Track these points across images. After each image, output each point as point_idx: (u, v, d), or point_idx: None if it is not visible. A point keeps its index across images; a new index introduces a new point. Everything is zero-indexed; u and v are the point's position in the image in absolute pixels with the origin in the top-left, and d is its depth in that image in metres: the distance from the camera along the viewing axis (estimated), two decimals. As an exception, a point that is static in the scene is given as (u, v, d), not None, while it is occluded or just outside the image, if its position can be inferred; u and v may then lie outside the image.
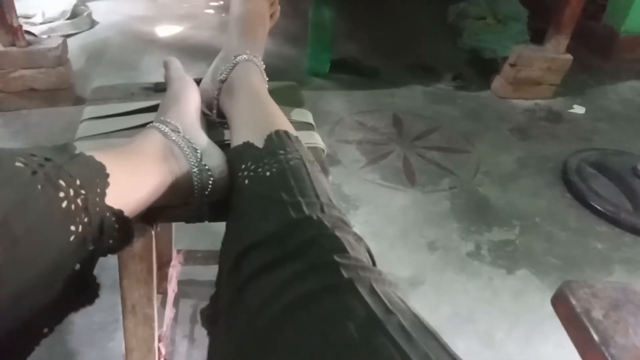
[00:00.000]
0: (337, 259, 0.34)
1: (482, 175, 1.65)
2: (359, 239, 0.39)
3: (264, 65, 0.63)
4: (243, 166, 0.47)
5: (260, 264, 0.36)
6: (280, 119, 0.53)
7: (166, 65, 0.62)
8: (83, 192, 0.35)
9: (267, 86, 0.62)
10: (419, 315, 0.31)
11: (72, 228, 0.34)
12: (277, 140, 0.48)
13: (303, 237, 0.37)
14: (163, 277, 0.98)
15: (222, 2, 3.01)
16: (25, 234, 0.30)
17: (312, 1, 2.01)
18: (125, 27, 2.54)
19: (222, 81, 0.60)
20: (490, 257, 1.32)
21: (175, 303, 1.04)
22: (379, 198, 1.50)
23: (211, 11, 2.89)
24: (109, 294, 1.13)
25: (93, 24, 2.50)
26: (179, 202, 0.51)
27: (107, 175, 0.39)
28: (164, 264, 1.00)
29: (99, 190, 0.37)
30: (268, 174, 0.44)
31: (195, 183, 0.50)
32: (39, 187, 0.32)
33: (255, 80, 0.60)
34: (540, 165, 1.74)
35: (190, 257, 1.09)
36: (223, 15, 2.83)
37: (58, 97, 1.73)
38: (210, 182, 0.50)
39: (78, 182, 0.35)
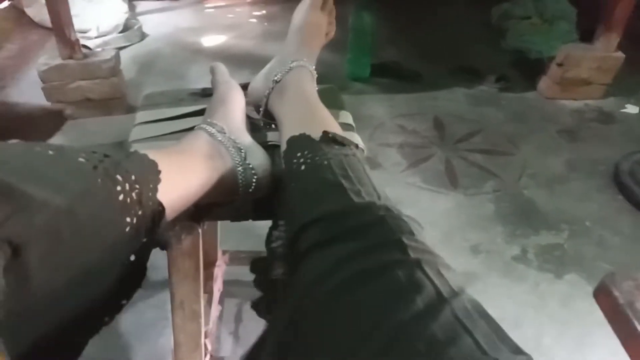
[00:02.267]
0: (404, 239, 0.35)
1: (527, 178, 1.61)
2: (420, 225, 0.40)
3: (317, 75, 0.66)
4: (299, 154, 0.48)
5: (320, 238, 0.38)
6: (331, 122, 0.55)
7: (213, 71, 0.65)
8: (137, 186, 0.38)
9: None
10: (479, 303, 0.31)
11: (128, 219, 0.37)
12: (332, 137, 0.50)
13: (368, 217, 0.38)
14: (209, 277, 1.02)
15: (264, 12, 3.08)
16: (88, 222, 0.33)
17: (352, 6, 2.03)
18: (173, 38, 2.65)
19: (276, 81, 0.62)
20: (537, 262, 1.29)
21: (221, 302, 1.07)
22: (421, 201, 1.49)
23: (254, 20, 2.96)
24: (160, 292, 1.18)
25: (143, 36, 2.62)
26: (224, 199, 0.54)
27: (159, 172, 0.41)
28: (209, 264, 1.04)
29: (151, 185, 0.40)
30: (326, 162, 0.46)
31: (240, 181, 0.52)
32: (99, 180, 0.35)
33: (307, 85, 0.62)
34: (590, 168, 1.67)
35: (235, 257, 1.12)
36: (265, 24, 2.90)
37: (111, 106, 1.83)
38: (254, 180, 0.53)
39: (133, 177, 0.38)
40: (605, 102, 2.10)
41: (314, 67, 0.66)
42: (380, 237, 0.36)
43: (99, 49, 2.10)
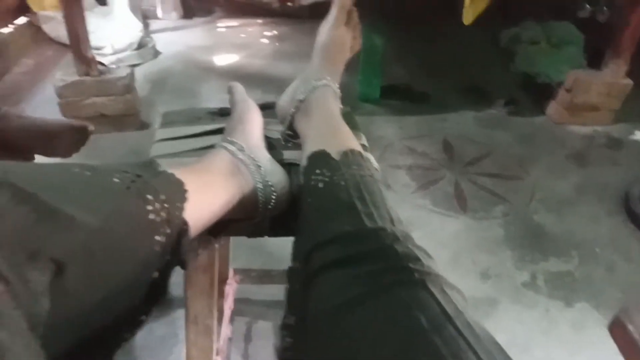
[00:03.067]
0: (410, 265, 0.36)
1: (537, 202, 1.61)
2: (429, 255, 0.41)
3: (340, 94, 0.67)
4: (318, 171, 0.49)
5: (333, 258, 0.39)
6: (353, 141, 0.56)
7: (231, 90, 0.67)
8: (167, 205, 0.39)
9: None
10: (481, 323, 0.32)
11: (157, 238, 0.38)
12: (352, 157, 0.51)
13: (377, 243, 0.39)
14: (220, 294, 1.02)
15: (275, 32, 3.13)
16: (121, 240, 0.34)
17: (362, 28, 2.06)
18: (185, 56, 2.69)
19: (301, 101, 0.64)
20: (547, 288, 1.28)
21: (231, 320, 1.07)
22: (430, 224, 1.49)
23: (265, 41, 3.01)
24: (170, 309, 1.18)
25: (156, 54, 2.67)
26: (243, 216, 0.55)
27: (186, 192, 0.42)
28: (221, 281, 1.04)
29: (178, 204, 0.41)
30: (343, 183, 0.47)
31: (260, 198, 0.53)
32: (132, 200, 0.36)
33: (331, 104, 0.63)
34: (600, 193, 1.67)
35: (246, 275, 1.12)
36: (276, 44, 2.94)
37: (125, 122, 1.85)
38: (273, 197, 0.54)
39: (162, 196, 0.39)
40: (614, 128, 2.11)
41: (337, 85, 0.67)
42: (388, 262, 0.38)
43: (113, 66, 2.14)
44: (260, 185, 0.53)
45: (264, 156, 0.57)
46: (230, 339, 1.08)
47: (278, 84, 2.34)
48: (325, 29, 0.71)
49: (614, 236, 1.48)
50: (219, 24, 3.27)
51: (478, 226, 1.49)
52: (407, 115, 2.13)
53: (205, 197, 0.48)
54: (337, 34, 0.70)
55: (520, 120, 2.15)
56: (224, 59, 2.69)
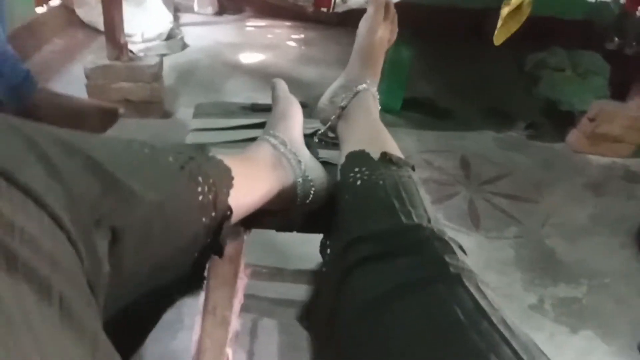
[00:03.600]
0: (447, 258, 0.37)
1: (550, 227, 1.61)
2: (463, 250, 0.42)
3: (379, 96, 0.68)
4: (357, 169, 0.51)
5: (369, 253, 0.40)
6: (391, 144, 0.58)
7: (274, 86, 0.68)
8: (214, 189, 0.40)
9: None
10: (515, 320, 0.33)
11: (204, 220, 0.39)
12: (389, 159, 0.52)
13: (414, 238, 0.40)
14: (231, 287, 1.03)
15: (302, 36, 3.16)
16: (174, 218, 0.36)
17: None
18: (213, 51, 2.72)
19: (343, 107, 0.65)
20: (554, 313, 1.28)
21: (239, 315, 1.08)
22: (442, 238, 1.49)
23: (292, 44, 3.04)
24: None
25: (185, 46, 2.70)
26: (280, 209, 0.56)
27: (233, 178, 0.44)
28: (233, 274, 1.05)
29: (225, 190, 0.42)
30: (381, 182, 0.48)
31: (299, 192, 0.54)
32: (185, 180, 0.38)
33: (371, 108, 0.65)
34: (615, 225, 1.66)
35: (256, 272, 1.13)
36: (303, 48, 2.97)
37: (149, 109, 1.88)
38: (312, 192, 0.55)
39: (211, 180, 0.40)
40: (634, 162, 2.09)
41: (376, 87, 0.69)
42: (424, 256, 0.39)
43: (141, 54, 2.18)
44: (300, 180, 0.54)
45: (304, 152, 0.59)
46: (236, 333, 1.09)
47: (302, 86, 2.37)
48: (364, 29, 0.71)
49: (625, 269, 1.47)
50: (248, 23, 3.30)
51: (489, 245, 1.49)
52: (427, 130, 2.13)
53: (248, 186, 0.49)
54: (377, 34, 0.71)
55: (540, 145, 2.14)
56: (250, 58, 2.72)
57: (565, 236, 1.57)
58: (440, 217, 1.58)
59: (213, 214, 0.40)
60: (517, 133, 2.21)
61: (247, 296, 1.15)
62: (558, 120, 2.29)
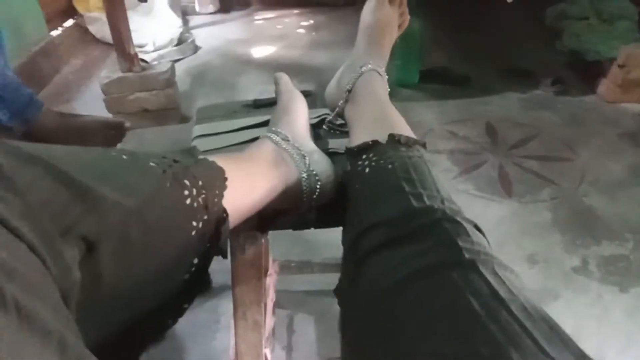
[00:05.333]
0: (459, 242, 0.35)
1: (587, 184, 1.54)
2: (479, 229, 0.39)
3: (387, 76, 0.65)
4: (364, 156, 0.49)
5: (380, 241, 0.38)
6: (401, 123, 0.55)
7: (276, 80, 0.66)
8: (204, 192, 0.39)
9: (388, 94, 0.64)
10: (538, 304, 0.31)
11: (194, 224, 0.38)
12: (400, 139, 0.50)
13: (425, 221, 0.38)
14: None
15: (312, 22, 3.12)
16: (156, 223, 0.35)
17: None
18: (224, 50, 2.73)
19: (349, 91, 0.63)
20: (600, 273, 1.22)
21: (273, 313, 1.08)
22: (473, 209, 1.45)
23: (302, 31, 3.01)
24: (211, 295, 1.20)
25: (196, 49, 2.72)
26: (288, 206, 0.54)
27: (226, 179, 0.43)
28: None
29: (217, 191, 0.41)
30: (390, 166, 0.46)
31: (304, 187, 0.53)
32: (168, 184, 0.37)
33: (378, 88, 0.62)
34: (657, 174, 1.58)
35: (285, 266, 1.12)
36: (313, 34, 2.94)
37: (167, 116, 1.90)
38: (318, 186, 0.53)
39: (200, 182, 0.39)
40: (672, 105, 1.98)
41: (383, 68, 0.66)
42: (436, 240, 0.37)
43: (155, 62, 2.20)
44: (304, 175, 0.53)
45: (309, 146, 0.57)
46: (273, 331, 1.09)
47: (315, 72, 2.34)
48: (369, 9, 0.68)
49: (673, 219, 1.39)
50: (256, 17, 3.29)
51: (524, 210, 1.44)
52: (448, 100, 2.07)
53: (246, 186, 0.48)
54: (381, 15, 0.68)
55: (569, 100, 2.05)
56: (261, 51, 2.71)
57: (604, 192, 1.50)
58: (470, 187, 1.53)
59: (205, 217, 0.39)
60: (543, 91, 2.12)
61: (280, 292, 1.15)
62: (586, 72, 2.19)
